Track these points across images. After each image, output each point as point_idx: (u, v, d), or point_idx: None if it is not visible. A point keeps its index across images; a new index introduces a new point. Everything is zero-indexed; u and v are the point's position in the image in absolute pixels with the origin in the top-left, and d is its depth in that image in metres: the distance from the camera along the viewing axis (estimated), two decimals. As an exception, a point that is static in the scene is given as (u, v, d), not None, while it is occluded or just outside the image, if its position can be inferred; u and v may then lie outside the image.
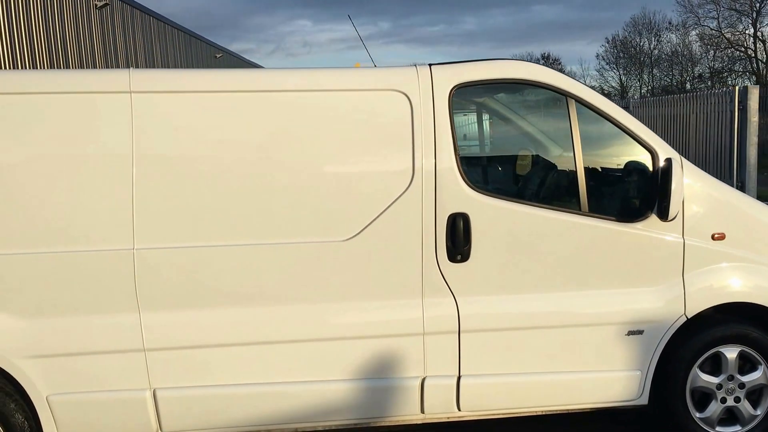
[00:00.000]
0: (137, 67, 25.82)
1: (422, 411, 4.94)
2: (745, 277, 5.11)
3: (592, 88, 5.21)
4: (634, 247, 4.97)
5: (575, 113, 4.88)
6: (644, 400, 5.15)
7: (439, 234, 4.77)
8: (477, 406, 4.99)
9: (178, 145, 4.63)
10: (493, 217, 4.80)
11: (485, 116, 5.20)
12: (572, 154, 4.91)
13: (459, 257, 4.79)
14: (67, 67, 22.53)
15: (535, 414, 5.15)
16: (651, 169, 4.97)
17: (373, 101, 4.77)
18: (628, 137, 4.97)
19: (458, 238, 4.76)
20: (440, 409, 4.96)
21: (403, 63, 4.61)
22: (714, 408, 5.21)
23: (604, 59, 60.54)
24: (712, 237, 5.06)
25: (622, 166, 5.19)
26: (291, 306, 4.75)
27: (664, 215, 4.85)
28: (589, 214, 4.91)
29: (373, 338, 4.82)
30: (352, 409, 4.88)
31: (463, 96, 4.85)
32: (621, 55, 59.45)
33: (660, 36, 54.94)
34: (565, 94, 4.90)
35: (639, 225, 4.95)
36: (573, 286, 4.95)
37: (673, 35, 52.64)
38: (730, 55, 51.14)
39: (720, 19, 50.29)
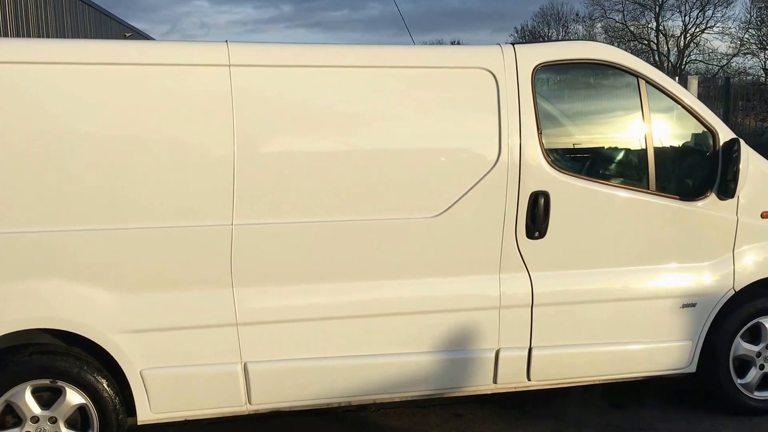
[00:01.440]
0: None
1: (495, 381, 5.14)
2: None
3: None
4: (694, 225, 5.28)
5: (646, 94, 5.14)
6: (693, 368, 5.49)
7: (520, 211, 4.95)
8: (546, 376, 5.23)
9: (277, 121, 4.65)
10: (571, 195, 5.01)
11: (563, 96, 5.40)
12: (643, 134, 5.18)
13: (537, 234, 4.99)
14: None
15: (596, 383, 5.42)
16: (712, 149, 5.28)
17: (460, 79, 4.90)
18: (693, 117, 5.27)
19: (538, 216, 4.95)
20: (511, 380, 5.18)
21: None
22: (753, 374, 5.60)
23: (514, 50, 61.46)
24: (762, 215, 5.42)
25: (681, 146, 5.49)
26: (379, 281, 4.86)
27: (728, 194, 5.18)
28: (656, 193, 5.19)
29: (453, 312, 4.98)
30: (431, 380, 5.04)
31: (545, 75, 5.04)
32: (530, 44, 60.46)
33: (568, 27, 56.42)
34: (638, 75, 5.15)
35: (699, 203, 5.27)
36: (638, 261, 5.24)
37: (580, 26, 54.12)
38: (633, 47, 52.94)
39: (625, 12, 52.01)
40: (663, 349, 5.37)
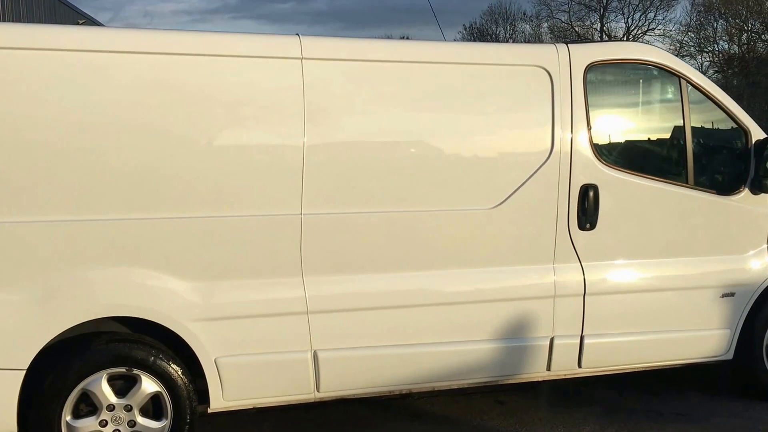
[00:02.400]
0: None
1: (548, 369, 5.32)
2: None
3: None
4: (730, 218, 5.55)
5: (687, 94, 5.39)
6: (730, 356, 5.73)
7: (572, 204, 5.15)
8: (596, 363, 5.42)
9: (344, 113, 4.80)
10: (618, 188, 5.24)
11: (610, 93, 5.62)
12: (683, 132, 5.43)
13: (588, 225, 5.19)
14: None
15: (641, 370, 5.64)
16: (745, 146, 5.54)
17: (517, 76, 5.10)
18: (728, 116, 5.54)
19: (589, 208, 5.16)
20: (564, 367, 5.36)
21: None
22: (782, 361, 5.88)
23: (462, 48, 60.93)
24: None
25: (716, 143, 5.74)
26: (441, 270, 5.01)
27: (762, 190, 5.46)
28: (695, 187, 5.44)
29: (511, 301, 5.15)
30: (489, 368, 5.19)
31: (595, 73, 5.24)
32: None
33: (515, 26, 56.67)
34: (680, 76, 5.41)
35: (734, 198, 5.53)
36: (680, 253, 5.48)
37: (527, 26, 54.56)
38: (578, 48, 53.59)
39: (571, 13, 52.62)
40: (704, 337, 5.62)
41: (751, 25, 46.18)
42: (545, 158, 5.09)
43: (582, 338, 5.32)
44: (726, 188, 5.57)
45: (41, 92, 4.30)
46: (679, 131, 5.49)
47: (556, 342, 5.26)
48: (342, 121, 4.79)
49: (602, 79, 5.32)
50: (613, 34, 51.33)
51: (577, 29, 52.05)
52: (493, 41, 57.05)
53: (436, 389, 5.33)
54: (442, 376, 5.14)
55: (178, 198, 4.52)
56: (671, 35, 50.54)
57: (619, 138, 5.53)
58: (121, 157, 4.43)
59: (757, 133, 5.57)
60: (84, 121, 4.37)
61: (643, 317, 5.44)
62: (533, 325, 5.22)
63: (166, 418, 4.65)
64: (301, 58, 4.69)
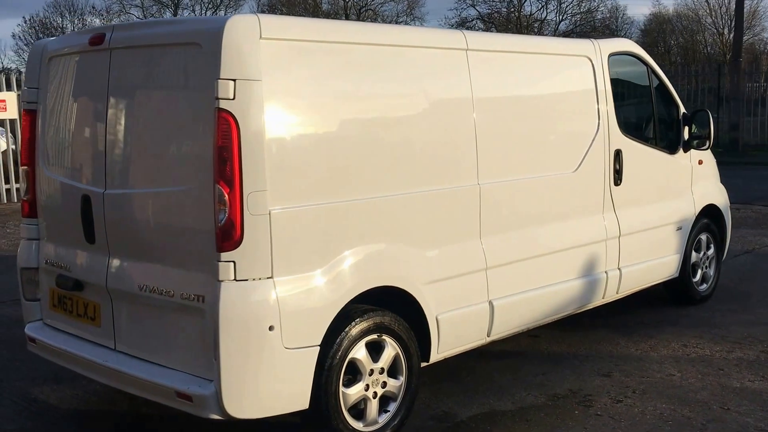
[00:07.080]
0: None
1: (603, 297, 6.78)
2: (711, 187, 8.04)
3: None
4: (675, 170, 7.54)
5: (651, 78, 7.25)
6: (677, 274, 7.71)
7: (611, 165, 6.67)
8: (625, 288, 6.99)
9: (497, 97, 5.77)
10: (630, 151, 6.87)
11: (616, 77, 7.16)
12: (651, 106, 7.28)
13: (618, 181, 6.76)
14: None
15: (642, 290, 7.35)
16: (678, 117, 7.55)
17: (572, 63, 6.49)
18: (670, 95, 7.51)
19: (620, 167, 6.74)
20: (611, 294, 6.85)
21: None
22: (699, 274, 8.05)
23: (22, 39, 55.30)
24: (699, 162, 7.85)
25: (664, 115, 7.67)
26: (558, 223, 6.25)
27: (689, 148, 7.52)
28: (660, 149, 7.33)
29: (590, 245, 6.51)
30: (580, 298, 6.49)
31: (611, 62, 6.79)
32: (41, 36, 53.24)
33: (84, 19, 53.96)
34: (647, 65, 7.25)
35: (676, 155, 7.53)
36: (660, 199, 7.31)
37: (98, 20, 51.92)
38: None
39: (144, 8, 52.72)
40: (670, 261, 7.52)
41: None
42: (596, 129, 6.53)
43: (620, 270, 6.85)
44: (671, 148, 7.52)
45: (342, 83, 4.78)
46: (648, 106, 7.31)
47: (609, 274, 6.73)
48: (496, 105, 5.75)
49: (613, 66, 6.88)
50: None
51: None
52: (56, 33, 52.39)
53: (546, 322, 6.42)
54: (559, 309, 6.33)
55: (407, 175, 5.15)
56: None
57: (625, 111, 7.17)
58: (384, 144, 5.00)
59: (682, 108, 7.61)
60: (362, 111, 4.89)
61: (645, 250, 7.14)
62: (599, 262, 6.63)
63: (402, 376, 5.16)
64: (467, 50, 5.56)
